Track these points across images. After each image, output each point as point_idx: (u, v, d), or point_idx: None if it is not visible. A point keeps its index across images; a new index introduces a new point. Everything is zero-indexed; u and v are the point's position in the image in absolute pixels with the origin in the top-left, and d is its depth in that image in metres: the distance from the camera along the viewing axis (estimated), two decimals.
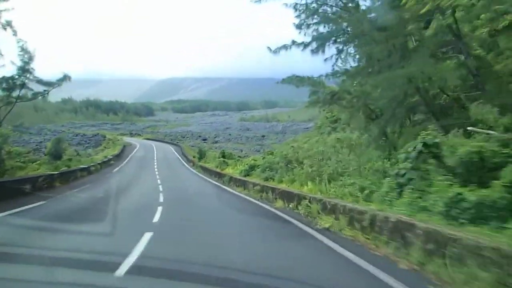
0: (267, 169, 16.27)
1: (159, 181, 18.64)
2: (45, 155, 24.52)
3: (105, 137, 59.88)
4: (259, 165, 18.16)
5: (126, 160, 34.97)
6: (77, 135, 62.45)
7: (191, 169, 30.89)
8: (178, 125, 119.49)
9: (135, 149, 49.42)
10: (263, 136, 74.02)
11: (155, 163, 32.24)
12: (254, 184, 13.41)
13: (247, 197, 13.00)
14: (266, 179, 15.10)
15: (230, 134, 79.83)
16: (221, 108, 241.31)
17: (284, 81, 21.67)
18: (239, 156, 35.20)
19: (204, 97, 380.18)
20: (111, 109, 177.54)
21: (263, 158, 20.14)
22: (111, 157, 33.38)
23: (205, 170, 26.68)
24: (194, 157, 35.75)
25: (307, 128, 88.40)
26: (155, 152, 44.07)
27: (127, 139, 69.65)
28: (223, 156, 30.51)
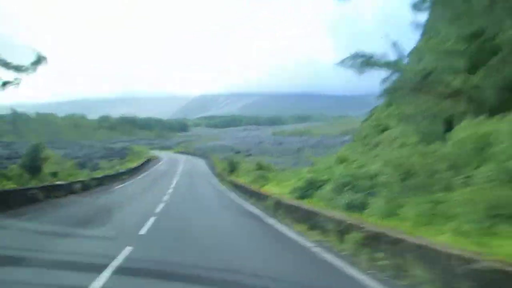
0: (346, 189, 8.77)
1: (158, 209, 11.35)
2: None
3: (132, 150, 55.31)
4: (324, 180, 10.69)
5: (142, 175, 28.85)
6: (105, 149, 59.60)
7: (218, 185, 24.17)
8: (210, 140, 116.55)
9: (160, 163, 44.88)
10: (298, 149, 67.13)
11: (175, 179, 25.57)
12: (350, 227, 5.53)
13: (350, 271, 4.88)
14: (349, 208, 7.69)
15: (263, 148, 73.92)
16: (253, 123, 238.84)
17: (343, 63, 14.62)
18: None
19: (236, 113, 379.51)
20: (147, 125, 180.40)
21: (329, 168, 12.50)
22: (124, 170, 27.14)
23: (237, 187, 19.71)
24: (223, 170, 28.97)
25: (343, 141, 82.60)
26: (181, 166, 39.13)
27: (156, 152, 65.61)
28: (261, 168, 23.29)
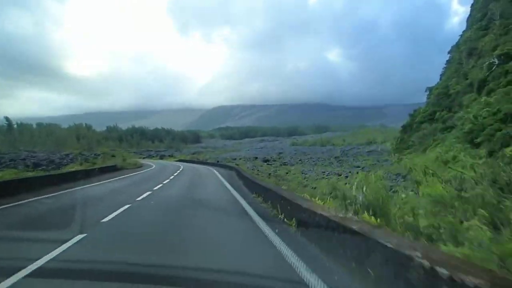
0: None
1: None
2: None
3: (102, 158, 43.13)
4: None
5: None
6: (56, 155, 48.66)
7: None
8: (227, 151, 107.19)
9: (126, 176, 23.36)
10: (336, 157, 55.83)
11: None
12: None
13: None
14: None
15: (298, 154, 68.72)
16: (270, 134, 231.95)
17: None
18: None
19: (252, 124, 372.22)
20: (157, 136, 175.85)
21: None
22: None
23: None
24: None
25: (370, 151, 73.54)
26: (159, 185, 16.06)
27: (149, 161, 54.61)
28: None
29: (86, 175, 19.66)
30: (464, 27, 56.57)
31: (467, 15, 55.95)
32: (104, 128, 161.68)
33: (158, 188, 15.02)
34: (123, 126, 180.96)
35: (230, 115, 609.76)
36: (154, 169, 32.81)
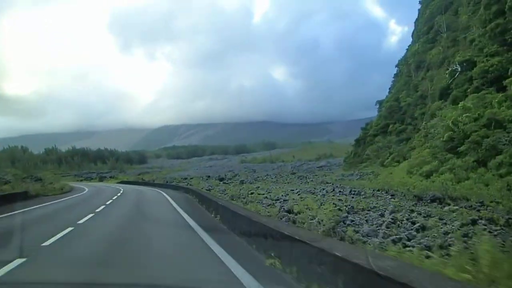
0: None
1: None
2: None
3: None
4: None
5: None
6: None
7: None
8: (174, 171, 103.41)
9: (25, 209, 14.95)
10: (293, 174, 54.86)
11: None
12: None
13: None
14: None
15: (251, 172, 67.60)
16: (218, 152, 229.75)
17: None
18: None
19: (199, 143, 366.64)
20: (100, 157, 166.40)
21: None
22: None
23: None
24: None
25: (321, 167, 74.37)
26: (61, 234, 8.15)
27: (85, 184, 49.87)
28: None
29: None
30: (403, 44, 60.17)
31: (404, 34, 59.53)
32: (43, 150, 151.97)
33: (55, 242, 7.54)
34: (63, 147, 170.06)
35: (176, 135, 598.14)
36: (84, 195, 27.28)
